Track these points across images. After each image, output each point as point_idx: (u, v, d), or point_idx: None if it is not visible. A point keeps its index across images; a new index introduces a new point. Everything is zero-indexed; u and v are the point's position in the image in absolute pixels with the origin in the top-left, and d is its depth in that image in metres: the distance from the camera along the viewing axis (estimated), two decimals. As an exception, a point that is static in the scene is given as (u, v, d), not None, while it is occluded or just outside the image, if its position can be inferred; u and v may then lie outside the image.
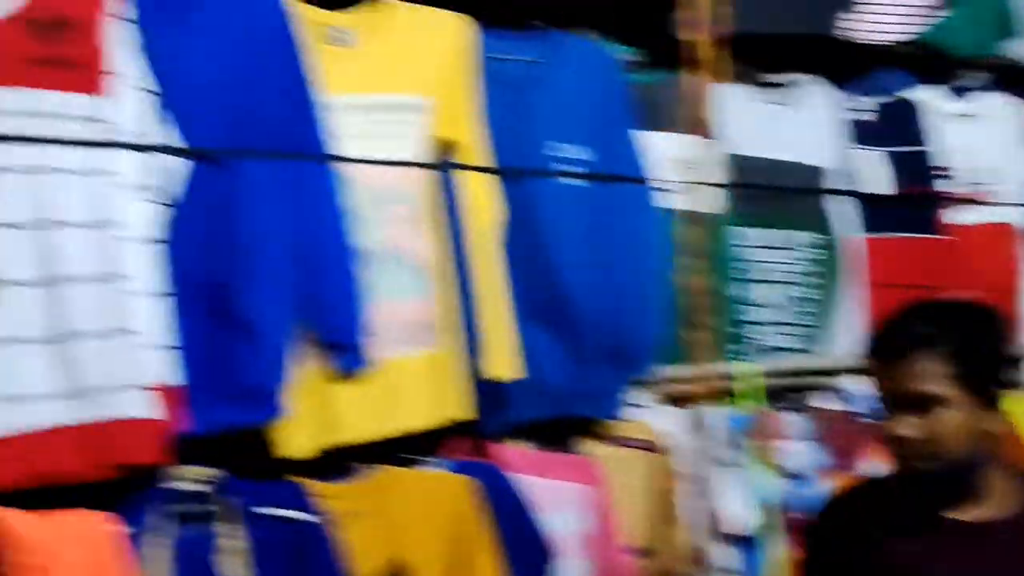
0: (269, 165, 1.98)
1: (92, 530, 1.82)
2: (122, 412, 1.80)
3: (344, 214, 2.08)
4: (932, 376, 1.61)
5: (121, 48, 1.86)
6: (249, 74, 1.98)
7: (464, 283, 2.24)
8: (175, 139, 1.91)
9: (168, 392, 1.86)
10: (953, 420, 1.61)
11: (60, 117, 1.80)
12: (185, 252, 1.91)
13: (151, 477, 1.88)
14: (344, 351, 2.06)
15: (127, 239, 1.84)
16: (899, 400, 1.64)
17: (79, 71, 1.81)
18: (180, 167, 1.91)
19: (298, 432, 2.01)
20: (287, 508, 2.01)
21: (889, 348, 1.66)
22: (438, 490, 2.17)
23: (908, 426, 1.62)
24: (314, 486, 2.07)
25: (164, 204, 1.90)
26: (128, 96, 1.87)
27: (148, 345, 1.85)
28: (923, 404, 1.62)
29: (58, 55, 1.80)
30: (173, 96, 1.90)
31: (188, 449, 1.91)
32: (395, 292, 2.14)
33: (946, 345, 1.63)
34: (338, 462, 2.11)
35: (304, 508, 2.03)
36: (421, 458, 2.23)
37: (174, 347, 1.89)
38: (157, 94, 1.89)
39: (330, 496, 2.08)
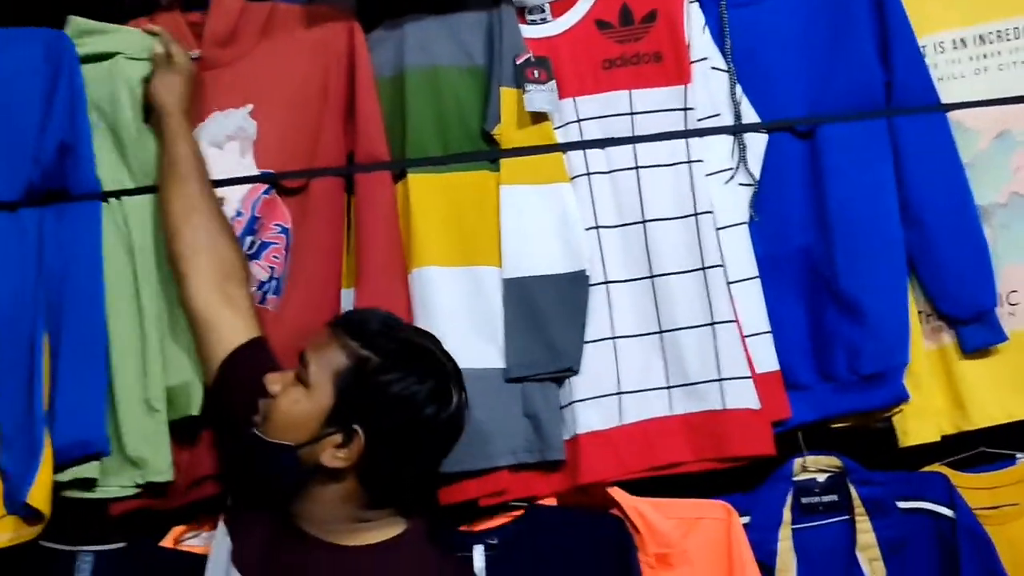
0: (859, 127, 1.82)
1: (712, 519, 1.82)
2: (725, 403, 1.77)
3: (958, 167, 1.83)
4: (328, 356, 1.49)
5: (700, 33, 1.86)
6: (827, 35, 1.84)
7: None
8: (753, 115, 1.85)
9: (770, 380, 1.80)
10: (297, 405, 1.49)
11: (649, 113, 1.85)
12: (777, 232, 1.84)
13: (767, 465, 1.83)
14: (971, 324, 1.82)
15: (717, 226, 1.81)
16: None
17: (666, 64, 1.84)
18: (761, 143, 1.84)
19: (921, 417, 1.81)
20: (928, 500, 1.82)
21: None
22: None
23: (274, 382, 1.53)
24: (956, 477, 1.85)
25: (750, 184, 1.84)
26: (706, 80, 1.85)
27: (746, 333, 1.80)
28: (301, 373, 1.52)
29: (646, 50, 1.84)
30: (750, 72, 1.85)
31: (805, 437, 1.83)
32: (1030, 250, 1.83)
33: (369, 352, 1.48)
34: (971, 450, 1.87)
35: (948, 501, 1.82)
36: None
37: (773, 333, 1.81)
38: (731, 72, 1.85)
39: (977, 488, 1.84)
